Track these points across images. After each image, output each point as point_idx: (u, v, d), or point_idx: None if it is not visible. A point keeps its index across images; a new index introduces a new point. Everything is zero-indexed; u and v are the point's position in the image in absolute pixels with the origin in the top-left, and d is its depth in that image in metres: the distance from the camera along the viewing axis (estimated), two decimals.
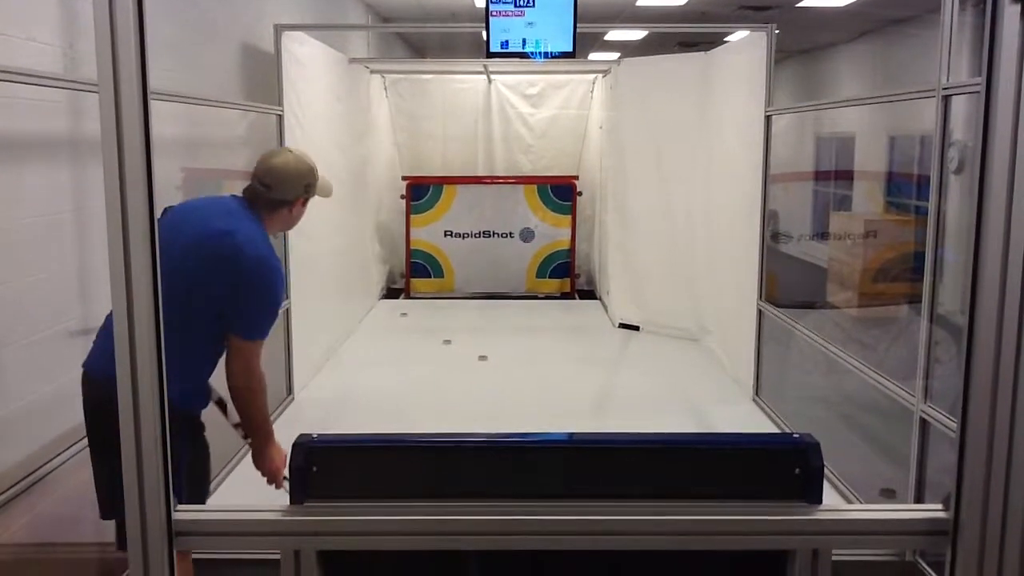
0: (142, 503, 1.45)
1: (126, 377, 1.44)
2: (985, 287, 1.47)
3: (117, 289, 1.41)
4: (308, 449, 1.58)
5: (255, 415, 2.79)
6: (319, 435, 1.61)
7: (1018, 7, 1.37)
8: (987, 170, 1.45)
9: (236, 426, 2.89)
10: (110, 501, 2.53)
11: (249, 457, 2.85)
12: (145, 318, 1.43)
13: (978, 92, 1.45)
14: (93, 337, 2.70)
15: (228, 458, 4.13)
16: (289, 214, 2.90)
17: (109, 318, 2.57)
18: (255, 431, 2.82)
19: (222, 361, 2.71)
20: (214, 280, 2.61)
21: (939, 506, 1.57)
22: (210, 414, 2.82)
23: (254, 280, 2.66)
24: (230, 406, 2.87)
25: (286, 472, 2.59)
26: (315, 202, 3.03)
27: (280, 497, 1.76)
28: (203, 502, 2.77)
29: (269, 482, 2.83)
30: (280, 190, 2.83)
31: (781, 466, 1.61)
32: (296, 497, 1.57)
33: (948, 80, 3.16)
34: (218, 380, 2.80)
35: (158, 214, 1.45)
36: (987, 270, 1.46)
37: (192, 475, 2.67)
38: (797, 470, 1.59)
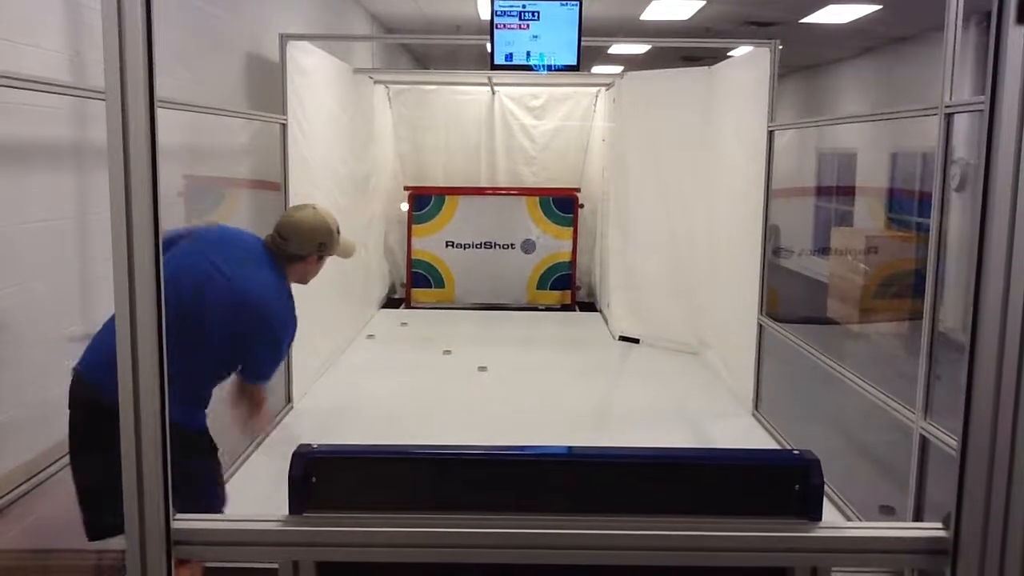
0: (141, 512, 1.45)
1: (128, 383, 1.44)
2: (987, 304, 1.47)
3: (120, 297, 1.41)
4: (308, 459, 1.58)
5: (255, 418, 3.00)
6: (319, 445, 1.61)
7: (1022, 29, 1.37)
8: (990, 188, 1.45)
9: None
10: (95, 510, 2.56)
11: (246, 466, 2.88)
12: (148, 326, 1.43)
13: (981, 110, 1.46)
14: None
15: (225, 466, 4.12)
16: (304, 268, 3.00)
17: (108, 323, 2.62)
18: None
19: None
20: (224, 320, 2.69)
21: (939, 525, 1.57)
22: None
23: (264, 333, 2.76)
24: None
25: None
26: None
27: (280, 507, 1.75)
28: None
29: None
30: (294, 244, 2.94)
31: (781, 483, 1.61)
32: (295, 507, 1.57)
33: (951, 98, 3.17)
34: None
35: (164, 224, 1.45)
36: (989, 287, 1.46)
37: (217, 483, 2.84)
38: (797, 487, 1.59)
